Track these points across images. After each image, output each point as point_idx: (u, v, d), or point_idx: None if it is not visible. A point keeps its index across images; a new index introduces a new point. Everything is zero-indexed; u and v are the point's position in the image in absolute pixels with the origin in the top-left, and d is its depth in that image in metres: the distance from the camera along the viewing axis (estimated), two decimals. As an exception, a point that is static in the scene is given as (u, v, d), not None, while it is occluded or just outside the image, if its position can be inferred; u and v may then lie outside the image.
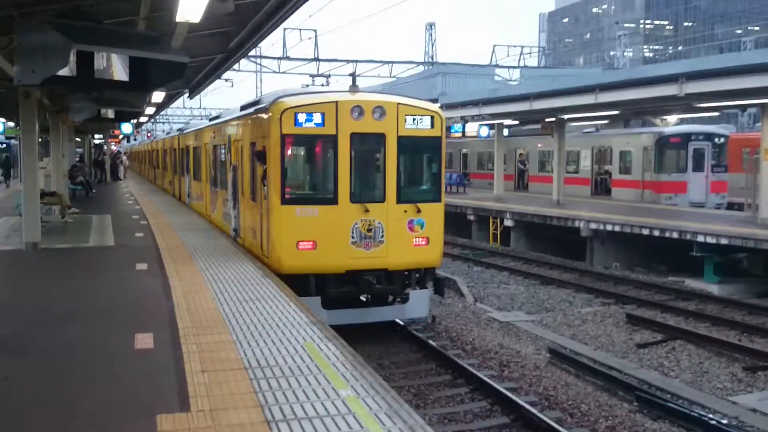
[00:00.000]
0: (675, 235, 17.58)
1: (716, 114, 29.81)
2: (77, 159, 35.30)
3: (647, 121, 33.73)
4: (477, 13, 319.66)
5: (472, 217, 26.02)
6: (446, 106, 28.93)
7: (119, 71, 7.65)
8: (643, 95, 18.34)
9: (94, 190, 29.94)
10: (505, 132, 31.24)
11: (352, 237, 11.32)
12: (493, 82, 31.62)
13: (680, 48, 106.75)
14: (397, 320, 12.48)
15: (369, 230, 11.41)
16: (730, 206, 26.65)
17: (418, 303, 12.08)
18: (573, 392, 9.73)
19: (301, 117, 11.16)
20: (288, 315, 7.94)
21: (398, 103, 11.67)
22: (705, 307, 15.29)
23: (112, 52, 7.27)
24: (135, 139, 62.69)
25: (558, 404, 9.26)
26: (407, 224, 11.66)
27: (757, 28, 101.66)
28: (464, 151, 39.86)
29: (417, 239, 11.73)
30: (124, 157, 54.14)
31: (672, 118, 28.50)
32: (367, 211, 11.38)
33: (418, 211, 11.66)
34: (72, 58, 7.18)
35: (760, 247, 15.90)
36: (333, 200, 11.36)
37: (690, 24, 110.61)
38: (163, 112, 69.50)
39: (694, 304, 15.53)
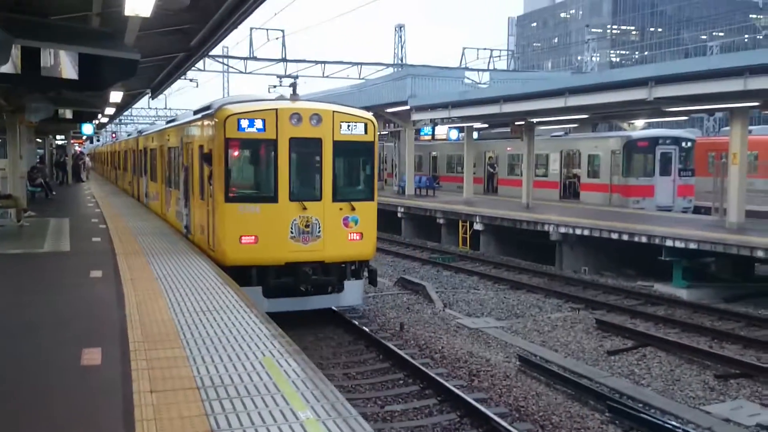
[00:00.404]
0: (643, 239, 17.51)
1: (685, 118, 30.00)
2: (37, 160, 34.23)
3: (615, 125, 33.87)
4: (446, 16, 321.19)
5: (441, 221, 25.78)
6: (416, 109, 28.72)
7: (68, 69, 7.19)
8: (613, 99, 18.24)
9: (54, 193, 29.09)
10: (475, 135, 31.10)
11: (291, 232, 12.32)
12: (463, 84, 31.43)
13: (646, 53, 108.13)
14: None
15: (307, 226, 12.41)
16: (697, 210, 26.80)
17: (353, 292, 13.17)
18: (544, 402, 9.47)
19: (244, 123, 12.10)
20: (247, 327, 7.55)
21: (334, 111, 12.71)
22: (674, 312, 15.19)
23: (59, 48, 6.80)
24: (98, 140, 61.45)
25: (529, 416, 8.99)
26: (342, 221, 12.69)
27: (721, 34, 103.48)
28: (434, 153, 39.68)
29: (351, 234, 12.76)
30: (87, 159, 53.03)
31: (639, 123, 28.60)
32: (305, 208, 12.38)
33: (353, 208, 12.72)
34: (16, 53, 6.71)
35: (728, 251, 15.89)
36: (273, 198, 12.30)
37: (656, 29, 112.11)
38: (127, 113, 68.39)
39: (663, 309, 15.44)
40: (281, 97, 13.41)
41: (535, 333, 13.34)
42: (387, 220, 29.60)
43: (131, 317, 7.96)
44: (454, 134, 30.02)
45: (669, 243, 16.84)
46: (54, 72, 6.95)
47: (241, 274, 11.62)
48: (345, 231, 12.69)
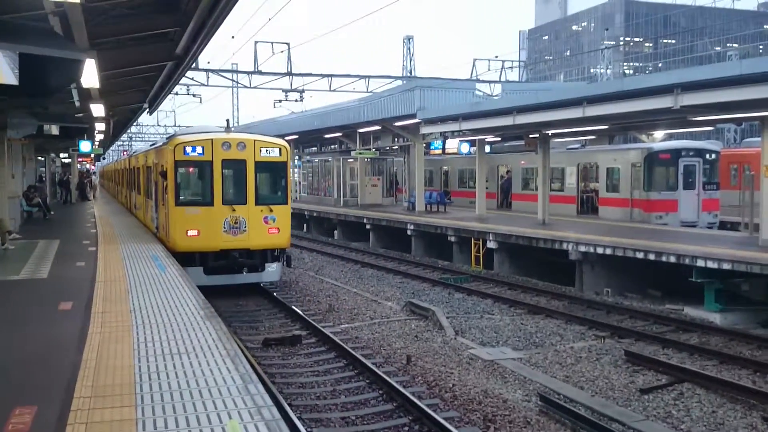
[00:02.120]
0: (672, 259, 16.18)
1: (704, 129, 28.68)
2: (37, 180, 33.29)
3: (631, 138, 32.59)
4: (455, 30, 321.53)
5: (453, 239, 24.51)
6: (425, 122, 27.58)
7: (6, 72, 6.09)
8: (635, 108, 16.94)
9: (52, 213, 28.14)
10: (487, 149, 29.89)
11: (224, 227, 16.42)
12: (474, 96, 30.26)
13: (660, 64, 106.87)
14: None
15: (236, 223, 16.50)
16: (722, 225, 25.44)
17: (272, 271, 17.33)
18: (571, 455, 8.18)
19: (188, 149, 16.35)
20: (218, 376, 6.35)
21: (255, 140, 16.97)
22: (709, 339, 13.85)
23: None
24: (103, 158, 60.81)
25: (554, 472, 7.71)
26: (263, 219, 16.74)
27: (735, 45, 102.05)
28: (445, 168, 38.49)
29: (271, 229, 16.82)
30: (93, 177, 52.26)
31: (659, 134, 27.30)
32: (234, 210, 16.51)
33: (271, 210, 16.80)
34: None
35: (766, 272, 14.52)
36: (210, 203, 16.45)
37: (669, 40, 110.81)
38: (135, 130, 67.82)
39: (697, 336, 14.10)
40: (222, 129, 17.63)
41: (557, 366, 12.02)
42: (396, 237, 28.39)
43: (86, 363, 6.79)
44: (465, 148, 28.79)
45: (700, 263, 15.51)
46: (-16, 75, 5.86)
47: (187, 258, 15.86)
48: (265, 226, 16.76)
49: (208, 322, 8.67)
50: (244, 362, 6.82)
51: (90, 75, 7.61)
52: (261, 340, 13.20)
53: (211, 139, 16.52)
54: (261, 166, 16.84)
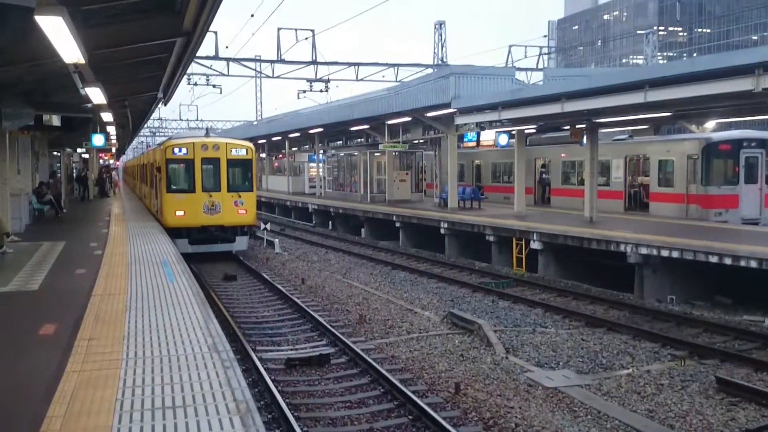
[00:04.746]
0: (753, 263, 14.12)
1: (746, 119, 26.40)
2: (50, 176, 31.81)
3: (680, 129, 30.33)
4: (485, 17, 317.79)
5: (491, 238, 22.56)
6: (460, 111, 25.61)
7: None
8: (709, 92, 14.80)
9: (65, 210, 26.73)
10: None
11: (204, 209, 21.18)
12: (513, 84, 28.19)
13: (695, 54, 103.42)
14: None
15: (212, 205, 21.23)
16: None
17: (241, 242, 22.29)
18: None
19: (176, 149, 21.43)
20: (222, 451, 4.56)
21: (226, 143, 22.04)
22: (805, 359, 11.82)
23: None
24: (123, 154, 59.66)
25: None
26: (233, 203, 21.47)
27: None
28: (477, 162, 36.47)
29: (240, 210, 21.56)
30: (114, 173, 51.02)
31: (710, 124, 25.06)
32: (211, 196, 21.25)
33: (239, 196, 21.56)
34: None
35: None
36: (193, 190, 21.28)
37: (704, 30, 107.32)
38: (157, 125, 66.69)
39: (790, 356, 12.07)
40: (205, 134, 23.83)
41: (635, 396, 10.07)
42: (428, 236, 26.49)
43: (50, 422, 5.05)
44: (503, 139, 26.80)
45: (787, 269, 13.47)
46: None
47: (176, 232, 20.45)
48: (235, 208, 21.47)
49: (213, 354, 6.89)
50: (258, 424, 5.02)
51: (64, 41, 5.89)
52: (283, 360, 11.47)
53: (193, 143, 21.59)
54: (231, 163, 21.66)
